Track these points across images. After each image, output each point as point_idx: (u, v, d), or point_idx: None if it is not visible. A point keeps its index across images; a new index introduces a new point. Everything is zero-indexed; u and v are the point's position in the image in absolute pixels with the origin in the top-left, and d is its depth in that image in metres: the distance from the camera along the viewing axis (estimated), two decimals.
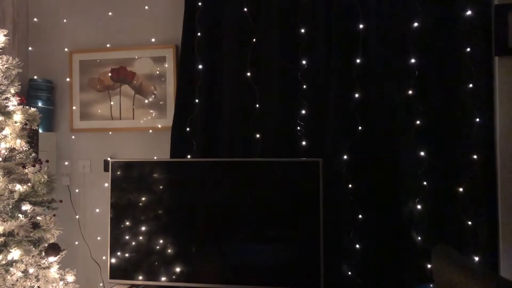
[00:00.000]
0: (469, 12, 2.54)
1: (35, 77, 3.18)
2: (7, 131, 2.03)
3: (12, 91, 2.12)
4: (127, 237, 2.70)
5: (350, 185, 2.67)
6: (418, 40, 2.62)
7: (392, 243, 2.63)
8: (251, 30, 2.82)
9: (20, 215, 2.06)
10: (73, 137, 3.22)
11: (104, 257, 3.05)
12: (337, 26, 2.71)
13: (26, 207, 2.08)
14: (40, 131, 3.03)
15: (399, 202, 2.65)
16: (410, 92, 2.62)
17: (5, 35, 2.09)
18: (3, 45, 2.09)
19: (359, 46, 2.69)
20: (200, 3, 2.88)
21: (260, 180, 2.62)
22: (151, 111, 3.11)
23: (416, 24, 2.62)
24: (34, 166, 2.07)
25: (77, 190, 3.19)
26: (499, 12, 2.44)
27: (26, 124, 2.08)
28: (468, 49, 2.55)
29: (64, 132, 3.24)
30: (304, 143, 2.74)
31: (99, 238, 3.11)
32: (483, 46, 2.52)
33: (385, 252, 2.63)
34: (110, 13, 3.17)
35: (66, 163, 3.21)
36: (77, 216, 3.15)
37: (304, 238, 2.52)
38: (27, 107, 2.13)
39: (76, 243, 3.12)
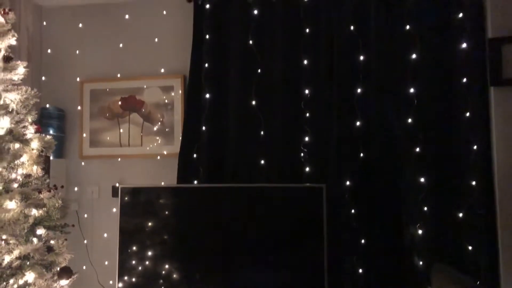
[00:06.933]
0: (464, 45, 2.67)
1: (47, 105, 3.30)
2: (24, 158, 2.11)
3: (30, 119, 2.22)
4: (134, 262, 2.75)
5: (352, 211, 2.74)
6: (416, 71, 2.74)
7: (395, 268, 2.69)
8: (256, 61, 2.95)
9: (35, 239, 2.13)
10: (82, 163, 3.31)
11: (111, 282, 3.10)
12: (338, 57, 2.84)
13: (40, 231, 2.16)
14: (51, 157, 3.12)
15: (401, 227, 2.71)
16: (409, 120, 2.72)
17: (24, 67, 2.20)
18: (22, 76, 2.20)
19: (359, 76, 2.81)
20: (207, 36, 3.01)
21: (266, 205, 2.70)
22: (158, 138, 3.21)
23: (414, 56, 2.74)
24: (49, 191, 2.15)
25: (85, 215, 3.26)
26: (493, 45, 2.57)
27: (42, 151, 2.17)
28: (464, 80, 2.67)
29: (73, 158, 3.33)
30: (307, 169, 2.83)
31: (106, 262, 3.16)
32: (478, 76, 2.64)
33: (388, 276, 2.68)
34: (120, 45, 3.31)
35: (76, 188, 3.29)
36: (85, 241, 3.21)
37: (308, 262, 2.57)
38: (43, 135, 2.23)
39: (84, 267, 3.17)
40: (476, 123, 2.62)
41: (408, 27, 2.76)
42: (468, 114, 2.64)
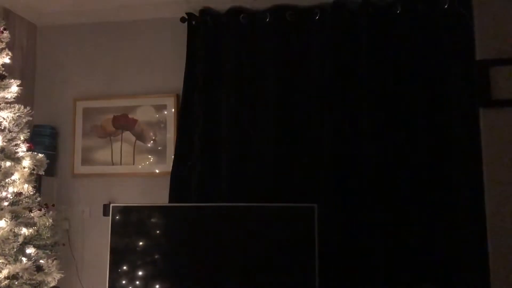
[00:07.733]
0: (454, 66, 2.73)
1: (39, 123, 3.29)
2: (16, 176, 2.11)
3: (22, 138, 2.22)
4: (124, 282, 2.72)
5: (345, 231, 2.74)
6: (406, 85, 2.80)
7: None
8: (249, 81, 2.98)
9: (24, 258, 2.11)
10: (73, 181, 3.29)
11: None
12: (330, 77, 2.88)
13: (30, 250, 2.14)
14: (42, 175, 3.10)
15: (395, 248, 2.70)
16: (402, 142, 2.76)
17: (18, 86, 2.21)
18: (15, 94, 2.21)
19: (353, 97, 2.85)
20: (201, 56, 3.04)
21: (257, 224, 2.69)
22: (150, 156, 3.21)
23: (404, 78, 2.80)
24: (40, 210, 2.14)
25: (76, 234, 3.23)
26: (480, 67, 2.62)
27: (33, 169, 2.17)
28: (455, 102, 2.72)
29: (65, 177, 3.31)
30: (300, 188, 2.83)
31: (96, 282, 3.11)
32: (469, 99, 2.68)
33: None
34: (114, 64, 3.33)
35: (66, 207, 3.26)
36: (75, 260, 3.17)
37: (300, 283, 2.56)
38: (35, 153, 2.23)
39: (74, 287, 3.13)
40: (468, 145, 2.65)
41: (399, 49, 2.82)
42: (460, 137, 2.68)
